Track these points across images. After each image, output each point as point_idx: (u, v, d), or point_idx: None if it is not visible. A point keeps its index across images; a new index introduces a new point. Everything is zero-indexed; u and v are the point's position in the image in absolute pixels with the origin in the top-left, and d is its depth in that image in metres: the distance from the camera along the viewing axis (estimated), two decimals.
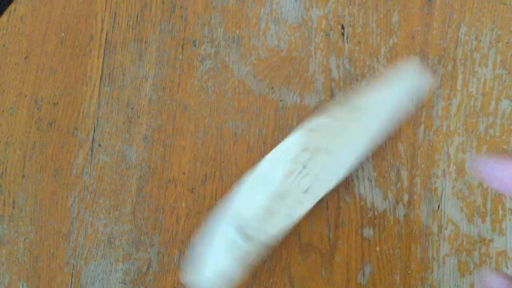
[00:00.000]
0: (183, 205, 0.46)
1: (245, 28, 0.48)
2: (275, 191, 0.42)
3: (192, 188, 0.46)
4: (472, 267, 0.45)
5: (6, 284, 0.46)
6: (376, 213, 0.46)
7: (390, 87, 0.44)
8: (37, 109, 0.47)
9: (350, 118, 0.43)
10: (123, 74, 0.47)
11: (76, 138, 0.47)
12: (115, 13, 0.48)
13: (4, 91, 0.47)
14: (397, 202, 0.46)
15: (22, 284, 0.46)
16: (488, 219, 0.46)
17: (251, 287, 0.46)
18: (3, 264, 0.46)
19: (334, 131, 0.43)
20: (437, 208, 0.46)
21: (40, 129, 0.47)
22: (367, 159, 0.46)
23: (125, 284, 0.46)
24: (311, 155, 0.43)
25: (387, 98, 0.44)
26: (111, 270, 0.46)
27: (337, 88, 0.47)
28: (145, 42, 0.48)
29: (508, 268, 0.45)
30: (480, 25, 0.47)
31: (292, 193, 0.42)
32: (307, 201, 0.42)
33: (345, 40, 0.48)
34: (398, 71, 0.45)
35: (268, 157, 0.43)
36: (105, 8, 0.48)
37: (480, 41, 0.47)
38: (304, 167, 0.42)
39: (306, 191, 0.42)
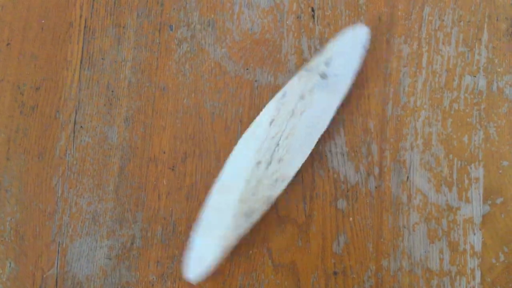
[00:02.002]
0: (164, 183, 0.48)
1: (220, 12, 0.50)
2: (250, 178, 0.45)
3: (173, 166, 0.48)
4: (440, 234, 0.48)
5: None
6: (348, 185, 0.48)
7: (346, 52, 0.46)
8: (20, 94, 0.48)
9: (317, 84, 0.46)
10: (102, 58, 0.49)
11: (59, 121, 0.48)
12: (93, 0, 0.49)
13: None
14: (368, 175, 0.48)
15: (10, 263, 0.47)
16: (454, 188, 0.48)
17: (231, 260, 0.48)
18: None
19: (302, 95, 0.45)
20: (406, 179, 0.48)
21: (23, 113, 0.48)
22: (339, 135, 0.49)
23: (110, 259, 0.47)
24: (282, 124, 0.45)
25: (347, 63, 0.46)
26: (96, 247, 0.48)
27: None
28: (123, 27, 0.49)
29: (475, 234, 0.48)
30: (443, 5, 0.50)
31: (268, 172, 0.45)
32: (284, 172, 0.45)
33: (316, 22, 0.50)
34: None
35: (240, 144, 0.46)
36: None
37: (443, 20, 0.50)
38: (276, 144, 0.45)
39: (280, 160, 0.45)
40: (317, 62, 0.46)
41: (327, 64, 0.46)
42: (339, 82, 0.46)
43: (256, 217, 0.45)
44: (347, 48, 0.46)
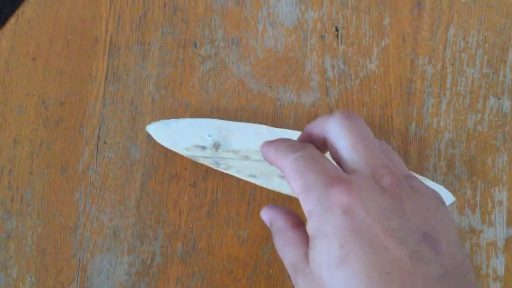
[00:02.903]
0: (186, 199, 0.48)
1: (244, 30, 0.50)
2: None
3: (194, 183, 0.48)
4: None
5: (15, 277, 0.47)
6: None
7: None
8: (45, 108, 0.49)
9: None
10: (127, 74, 0.49)
11: (82, 135, 0.49)
12: (119, 16, 0.50)
13: (12, 91, 0.48)
14: None
15: (30, 277, 0.47)
16: (478, 211, 0.48)
17: (251, 278, 0.47)
18: (11, 257, 0.47)
19: None
20: None
21: (47, 127, 0.48)
22: None
23: (130, 276, 0.47)
24: None
25: None
26: (117, 263, 0.47)
27: (332, 87, 0.50)
28: (148, 44, 0.50)
29: (498, 257, 0.47)
30: (467, 26, 0.50)
31: None
32: None
33: (339, 41, 0.50)
34: None
35: None
36: (110, 12, 0.50)
37: (468, 42, 0.50)
38: None
39: None
40: None
41: None
42: None
43: None
44: None
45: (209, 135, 0.46)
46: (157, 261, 0.47)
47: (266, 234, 0.47)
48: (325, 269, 0.24)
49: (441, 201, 0.27)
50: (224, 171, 0.46)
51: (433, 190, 0.27)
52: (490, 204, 0.47)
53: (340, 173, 0.26)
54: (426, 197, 0.26)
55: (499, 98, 0.49)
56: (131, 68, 0.49)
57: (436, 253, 0.24)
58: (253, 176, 0.46)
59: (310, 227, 0.26)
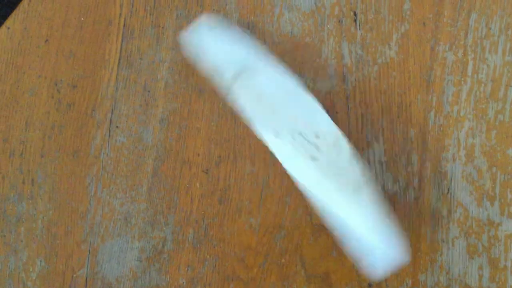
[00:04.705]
0: (198, 186, 0.47)
1: (260, 14, 0.49)
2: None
3: (207, 169, 0.48)
4: (481, 249, 0.46)
5: (25, 261, 0.47)
6: (386, 196, 0.47)
7: None
8: (57, 91, 0.48)
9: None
10: (140, 58, 0.49)
11: (94, 119, 0.48)
12: None
13: (25, 73, 0.48)
14: (407, 186, 0.47)
15: (40, 261, 0.47)
16: (497, 202, 0.46)
17: (263, 267, 0.47)
18: (22, 241, 0.47)
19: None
20: (446, 191, 0.47)
21: (59, 110, 0.48)
22: (378, 143, 0.47)
23: (140, 261, 0.47)
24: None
25: None
26: (127, 248, 0.47)
27: (349, 73, 0.48)
28: (162, 27, 0.49)
29: None
30: (490, 12, 0.48)
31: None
32: None
33: (358, 26, 0.49)
34: None
35: None
36: None
37: (490, 28, 0.48)
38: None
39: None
40: None
41: None
42: None
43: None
44: None
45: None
46: (168, 247, 0.46)
47: (278, 223, 0.46)
48: None
49: None
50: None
51: None
52: (509, 196, 0.46)
53: None
54: None
55: None
56: (145, 51, 0.48)
57: None
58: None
59: None
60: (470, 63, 0.47)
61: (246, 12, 0.49)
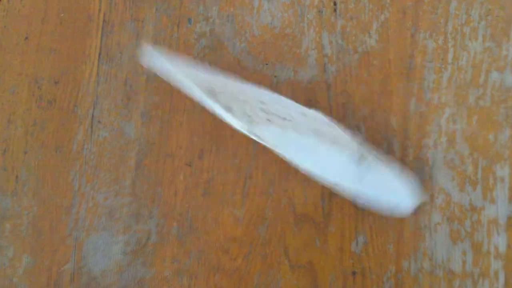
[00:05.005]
0: (181, 179, 0.48)
1: (239, 6, 0.49)
2: None
3: (190, 162, 0.48)
4: (463, 234, 0.46)
5: (10, 257, 0.47)
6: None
7: None
8: (38, 88, 0.48)
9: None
10: (120, 53, 0.49)
11: (76, 115, 0.48)
12: None
13: (5, 71, 0.48)
14: None
15: (26, 257, 0.47)
16: (479, 187, 0.47)
17: (247, 257, 0.47)
18: (7, 237, 0.47)
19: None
20: (428, 177, 0.47)
21: (41, 107, 0.48)
22: (360, 130, 0.48)
23: (125, 255, 0.47)
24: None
25: None
26: (112, 242, 0.47)
27: (329, 63, 0.48)
28: (142, 21, 0.49)
29: (499, 235, 0.46)
30: None
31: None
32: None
33: (338, 16, 0.49)
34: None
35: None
36: None
37: (470, 15, 0.48)
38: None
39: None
40: None
41: None
42: None
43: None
44: None
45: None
46: (152, 240, 0.47)
47: (262, 214, 0.47)
48: None
49: None
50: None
51: None
52: (491, 181, 0.46)
53: None
54: None
55: (502, 72, 0.47)
56: (125, 46, 0.48)
57: None
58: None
59: None
60: (451, 50, 0.47)
61: (226, 4, 0.49)
